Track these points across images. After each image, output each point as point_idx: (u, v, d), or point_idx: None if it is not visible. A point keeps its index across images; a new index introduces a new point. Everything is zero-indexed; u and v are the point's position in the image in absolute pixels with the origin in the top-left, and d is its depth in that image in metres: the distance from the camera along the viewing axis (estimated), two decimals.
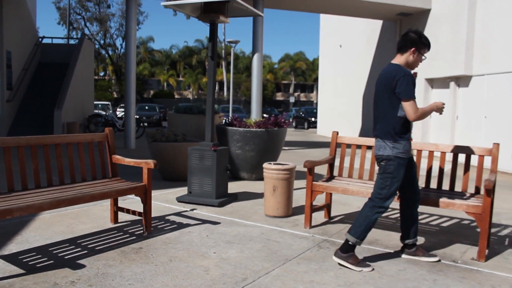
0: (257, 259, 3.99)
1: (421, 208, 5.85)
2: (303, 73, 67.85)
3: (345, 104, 19.38)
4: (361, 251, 4.26)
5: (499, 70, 10.96)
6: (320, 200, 5.77)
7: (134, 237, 4.49)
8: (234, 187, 7.24)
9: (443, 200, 4.25)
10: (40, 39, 17.67)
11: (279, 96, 69.87)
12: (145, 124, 24.88)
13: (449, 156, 8.09)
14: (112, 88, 52.23)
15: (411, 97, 3.80)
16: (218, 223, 5.14)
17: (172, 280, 3.46)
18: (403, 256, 4.16)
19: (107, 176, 4.95)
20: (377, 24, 16.65)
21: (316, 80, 22.21)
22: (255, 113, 12.58)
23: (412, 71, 4.25)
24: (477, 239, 4.43)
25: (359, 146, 5.25)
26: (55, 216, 5.20)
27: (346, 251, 3.84)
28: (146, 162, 4.57)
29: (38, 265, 3.69)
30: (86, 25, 46.13)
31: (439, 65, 12.94)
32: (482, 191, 4.25)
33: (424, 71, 13.71)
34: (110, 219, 4.99)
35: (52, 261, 3.79)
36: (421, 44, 3.93)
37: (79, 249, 4.12)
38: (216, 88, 63.34)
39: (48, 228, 4.75)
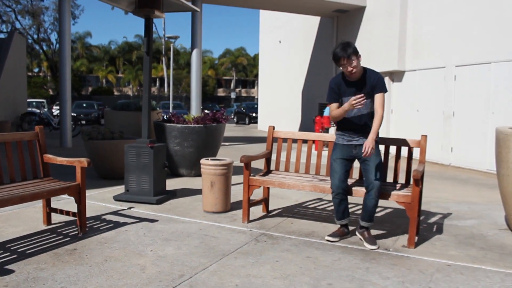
0: (195, 255, 3.98)
1: (356, 200, 6.03)
2: (244, 69, 68.09)
3: (285, 99, 19.62)
4: (297, 243, 4.35)
5: (429, 66, 11.45)
6: (259, 194, 5.82)
7: (68, 238, 4.36)
8: (173, 184, 7.17)
9: (357, 189, 4.40)
10: None
11: (221, 92, 69.77)
12: (83, 122, 24.17)
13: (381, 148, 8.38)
14: (47, 85, 50.28)
15: (327, 101, 4.40)
16: (156, 220, 5.07)
17: (107, 281, 3.39)
18: (357, 234, 4.42)
19: (38, 176, 4.77)
20: (315, 20, 16.94)
21: (257, 75, 22.35)
22: (195, 109, 12.51)
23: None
24: (408, 227, 4.61)
25: (295, 140, 5.34)
26: None
27: None
28: (79, 161, 4.43)
29: None
30: (17, 18, 44.06)
31: (374, 61, 13.33)
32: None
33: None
34: (43, 221, 4.81)
35: None
36: (334, 61, 4.23)
37: (8, 253, 3.94)
38: (157, 84, 62.57)
39: None
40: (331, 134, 5.37)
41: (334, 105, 4.32)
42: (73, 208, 5.11)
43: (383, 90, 4.27)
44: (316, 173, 5.19)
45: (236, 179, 7.00)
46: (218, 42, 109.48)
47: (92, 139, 7.42)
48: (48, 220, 4.79)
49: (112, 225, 4.85)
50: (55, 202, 5.56)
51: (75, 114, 15.75)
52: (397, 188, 4.56)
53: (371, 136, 4.14)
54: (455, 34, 10.65)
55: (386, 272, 3.69)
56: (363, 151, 4.10)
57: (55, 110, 22.58)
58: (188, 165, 7.76)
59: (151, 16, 5.92)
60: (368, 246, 4.26)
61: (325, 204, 6.04)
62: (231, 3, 15.00)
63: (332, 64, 15.63)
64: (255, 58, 61.51)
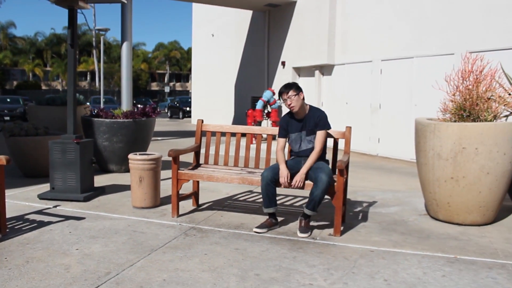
0: (122, 252, 3.92)
1: (286, 191, 6.16)
2: (178, 63, 67.23)
3: (218, 93, 19.60)
4: (226, 236, 4.38)
5: (357, 60, 11.82)
6: (189, 188, 5.80)
7: None
8: (102, 180, 6.99)
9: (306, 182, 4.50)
10: None
11: (154, 86, 68.59)
12: (7, 118, 22.99)
13: None
14: None
15: (278, 136, 4.83)
16: (83, 218, 4.94)
17: (28, 283, 3.26)
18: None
19: None
20: (247, 14, 17.00)
21: (191, 69, 22.13)
22: (126, 104, 12.25)
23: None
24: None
25: (224, 134, 5.36)
26: None
27: None
28: None
29: None
30: None
31: (305, 55, 13.60)
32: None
33: (292, 60, 14.33)
34: None
35: None
36: (279, 97, 4.74)
37: None
38: (88, 78, 60.55)
39: None
40: (260, 127, 5.43)
41: (282, 140, 4.75)
42: None
43: (325, 127, 4.65)
44: (245, 166, 5.24)
45: (166, 173, 6.93)
46: (152, 35, 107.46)
47: (14, 136, 7.09)
48: None
49: (35, 224, 4.67)
50: None
51: None
52: None
53: (303, 170, 4.48)
54: (381, 30, 11.06)
55: (312, 260, 3.80)
56: (293, 183, 4.43)
57: None
58: (118, 161, 7.59)
59: (75, 7, 5.72)
60: (299, 234, 4.39)
61: (255, 196, 6.12)
62: None
63: (265, 58, 15.80)
64: (189, 51, 60.88)
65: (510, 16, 8.19)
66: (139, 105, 9.31)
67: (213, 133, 5.38)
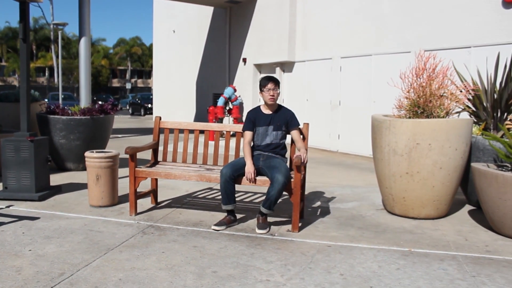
0: (77, 252, 3.84)
1: (244, 187, 6.17)
2: (139, 59, 66.21)
3: (180, 89, 19.43)
4: (184, 233, 4.36)
5: (317, 57, 11.94)
6: (148, 186, 5.73)
7: None
8: (58, 178, 6.83)
9: (259, 178, 4.52)
10: None
11: (116, 83, 67.41)
12: None
13: None
14: None
15: (243, 130, 4.81)
16: (38, 218, 4.81)
17: None
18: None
19: None
20: (209, 10, 16.91)
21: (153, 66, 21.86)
22: (84, 100, 11.98)
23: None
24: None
25: (182, 131, 5.32)
26: None
27: None
28: None
29: None
30: None
31: (266, 52, 13.63)
32: None
33: (253, 57, 14.35)
34: None
35: None
36: (260, 86, 4.73)
37: None
38: (46, 74, 58.95)
39: None
40: (218, 124, 5.42)
41: (248, 132, 4.75)
42: None
43: (298, 125, 4.80)
44: (203, 163, 5.22)
45: (124, 171, 6.83)
46: (113, 32, 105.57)
47: None
48: None
49: None
50: None
51: None
52: None
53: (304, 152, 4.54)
54: (340, 27, 11.20)
55: (270, 256, 3.82)
56: (302, 159, 4.40)
57: None
58: (75, 159, 7.43)
59: (27, 0, 5.56)
60: (257, 231, 4.41)
61: (214, 193, 6.10)
62: None
63: (226, 55, 15.76)
64: (151, 48, 60.05)
65: (461, 16, 8.44)
66: (99, 102, 9.12)
67: (172, 130, 5.33)
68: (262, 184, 4.51)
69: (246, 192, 6.13)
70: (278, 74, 13.32)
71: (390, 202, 5.14)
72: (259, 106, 4.86)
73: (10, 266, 3.52)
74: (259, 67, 14.39)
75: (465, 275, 3.49)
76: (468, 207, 5.58)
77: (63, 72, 31.40)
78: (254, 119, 4.77)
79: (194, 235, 4.33)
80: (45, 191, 5.70)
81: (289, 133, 4.81)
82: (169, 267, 3.54)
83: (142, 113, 30.09)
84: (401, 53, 9.54)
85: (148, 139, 13.02)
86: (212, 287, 3.20)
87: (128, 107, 34.22)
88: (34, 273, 3.39)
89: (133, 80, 66.72)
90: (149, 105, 28.96)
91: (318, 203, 5.73)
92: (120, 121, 22.36)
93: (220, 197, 5.78)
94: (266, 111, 4.78)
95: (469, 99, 5.64)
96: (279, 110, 4.80)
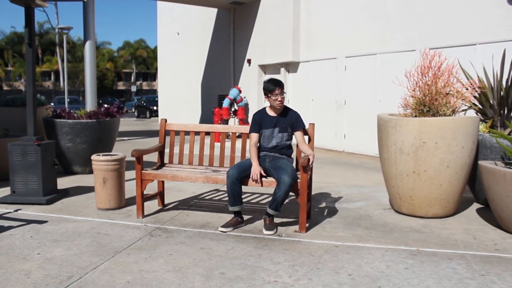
0: (85, 255, 3.85)
1: (251, 189, 6.17)
2: (144, 61, 66.35)
3: (185, 91, 19.46)
4: (192, 235, 4.36)
5: (321, 57, 11.92)
6: (155, 188, 5.74)
7: None
8: (66, 182, 6.86)
9: (266, 179, 4.52)
10: None
11: (121, 86, 67.60)
12: None
13: None
14: None
15: (249, 132, 4.80)
16: (45, 221, 4.83)
17: None
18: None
19: None
20: (212, 12, 16.93)
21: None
22: (90, 104, 12.05)
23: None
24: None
25: (188, 133, 5.33)
26: None
27: None
28: None
29: None
30: None
31: (270, 52, 13.63)
32: None
33: (257, 58, 14.35)
34: None
35: None
36: (266, 91, 4.70)
37: None
38: (52, 78, 59.17)
39: None
40: (224, 125, 5.42)
41: (255, 135, 4.75)
42: None
43: (303, 126, 4.81)
44: (209, 165, 5.22)
45: (130, 174, 6.85)
46: (118, 35, 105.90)
47: None
48: None
49: None
50: None
51: None
52: None
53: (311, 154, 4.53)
54: (345, 27, 11.18)
55: (277, 257, 3.82)
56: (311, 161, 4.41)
57: None
58: (82, 162, 7.46)
59: (32, 5, 5.59)
60: (264, 232, 4.40)
61: (221, 195, 6.10)
62: None
63: (230, 56, 15.76)
64: (155, 50, 60.18)
65: (466, 13, 8.41)
66: (105, 105, 9.16)
67: (178, 132, 5.34)
68: (269, 185, 4.51)
69: (253, 193, 6.12)
70: (283, 74, 13.31)
71: (397, 201, 5.12)
72: (264, 108, 4.87)
73: (19, 270, 3.53)
74: (264, 67, 14.39)
75: (474, 274, 3.47)
76: (476, 206, 5.55)
77: (68, 76, 31.56)
78: (260, 121, 4.77)
79: (201, 236, 4.34)
80: (53, 195, 5.73)
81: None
82: (176, 269, 3.55)
83: (148, 115, 30.17)
84: (406, 51, 9.51)
85: (154, 142, 13.05)
86: None
87: (133, 110, 34.33)
88: (43, 277, 3.40)
89: (138, 82, 66.89)
90: (155, 108, 29.06)
91: (325, 203, 5.72)
92: (126, 124, 22.42)
93: (226, 198, 5.78)
94: (272, 113, 4.78)
95: (475, 97, 5.62)
96: (285, 112, 4.81)
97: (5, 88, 56.11)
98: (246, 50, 14.90)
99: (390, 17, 9.95)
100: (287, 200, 5.54)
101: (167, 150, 5.51)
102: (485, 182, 4.55)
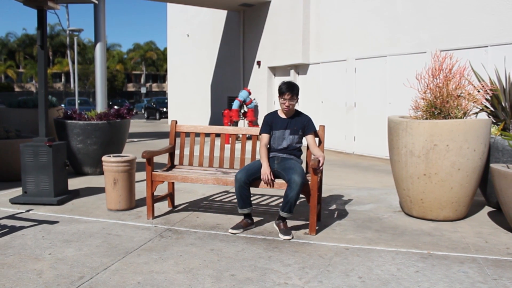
0: (96, 255, 3.87)
1: (261, 190, 6.18)
2: (154, 63, 66.64)
3: (194, 93, 19.52)
4: (202, 237, 4.37)
5: (331, 59, 11.91)
6: (165, 190, 5.76)
7: None
8: (76, 183, 6.90)
9: (276, 181, 4.52)
10: None
11: (131, 87, 67.92)
12: None
13: None
14: None
15: (260, 133, 4.82)
16: (57, 222, 4.87)
17: None
18: (274, 225, 4.57)
19: None
20: (222, 14, 16.97)
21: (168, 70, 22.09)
22: (100, 105, 12.13)
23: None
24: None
25: (198, 134, 5.34)
26: None
27: None
28: None
29: None
30: None
31: (280, 54, 13.64)
32: None
33: (267, 60, 14.36)
34: None
35: None
36: (278, 92, 4.72)
37: None
38: (62, 80, 59.62)
39: None
40: (234, 127, 5.43)
41: (265, 135, 4.75)
42: None
43: (314, 130, 4.82)
44: (219, 166, 5.23)
45: (141, 175, 6.88)
46: (128, 36, 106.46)
47: None
48: None
49: (7, 230, 4.58)
50: None
51: None
52: None
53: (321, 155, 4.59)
54: (354, 29, 11.16)
55: (287, 259, 3.81)
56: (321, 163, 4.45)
57: None
58: (93, 163, 7.50)
59: (44, 7, 5.64)
60: (282, 237, 4.35)
61: (231, 196, 6.11)
62: None
63: (240, 58, 15.79)
64: (165, 52, 60.34)
65: (477, 15, 8.36)
66: (115, 106, 9.23)
67: (188, 134, 5.36)
68: (279, 187, 4.50)
69: (262, 195, 6.13)
70: (292, 76, 13.31)
71: (408, 204, 5.10)
72: (276, 110, 4.87)
73: (31, 270, 3.56)
74: (274, 69, 14.39)
75: (486, 278, 3.44)
76: (487, 209, 5.51)
77: (79, 78, 31.77)
78: (271, 123, 4.78)
79: (211, 238, 4.34)
80: (64, 195, 5.76)
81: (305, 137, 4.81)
82: (187, 271, 3.55)
83: (157, 117, 30.27)
84: (417, 53, 9.48)
85: (164, 143, 13.09)
86: None
87: (143, 111, 34.46)
88: (55, 277, 3.43)
89: (148, 84, 67.22)
90: (164, 109, 29.15)
91: (335, 206, 5.70)
92: (136, 125, 22.53)
93: (236, 200, 5.80)
94: (283, 115, 4.79)
95: (487, 99, 5.58)
96: (296, 115, 4.81)
97: (16, 89, 56.58)
98: (256, 52, 14.92)
99: (400, 19, 9.92)
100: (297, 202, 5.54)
101: (177, 152, 5.53)
102: (497, 185, 4.51)
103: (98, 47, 12.57)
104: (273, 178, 4.52)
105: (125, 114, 7.76)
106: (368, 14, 10.77)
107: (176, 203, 5.63)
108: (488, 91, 5.40)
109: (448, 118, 4.88)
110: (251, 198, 4.64)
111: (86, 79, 52.71)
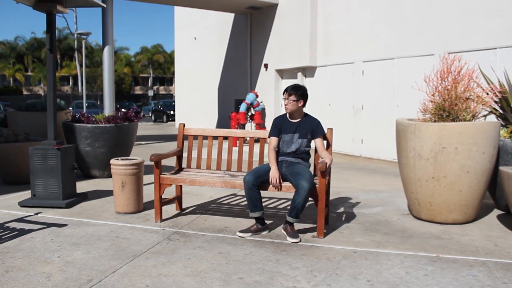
0: (105, 258, 3.88)
1: (269, 193, 6.17)
2: (161, 66, 66.82)
3: (202, 96, 19.56)
4: (209, 240, 4.37)
5: (339, 62, 11.89)
6: (173, 193, 5.77)
7: None
8: (85, 186, 6.93)
9: (284, 184, 4.51)
10: None
11: (138, 90, 68.15)
12: None
13: None
14: None
15: (269, 136, 4.83)
16: (65, 225, 4.89)
17: None
18: (282, 230, 4.56)
19: None
20: (230, 17, 17.01)
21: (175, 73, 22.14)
22: (108, 108, 12.18)
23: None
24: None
25: (206, 137, 5.35)
26: None
27: None
28: None
29: None
30: None
31: (287, 57, 13.64)
32: None
33: (274, 62, 14.36)
34: None
35: None
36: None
37: None
38: (70, 83, 59.92)
39: None
40: (242, 130, 5.44)
41: (274, 138, 4.76)
42: None
43: (322, 133, 4.79)
44: (227, 169, 5.23)
45: (149, 178, 6.89)
46: (135, 39, 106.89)
47: None
48: None
49: (16, 233, 4.61)
50: None
51: None
52: None
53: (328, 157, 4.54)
54: (362, 31, 11.14)
55: (295, 262, 3.81)
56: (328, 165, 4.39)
57: None
58: (101, 166, 7.53)
59: (53, 11, 5.67)
60: (290, 240, 4.34)
61: (239, 199, 6.11)
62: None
63: (247, 61, 15.81)
64: (172, 55, 60.50)
65: (486, 17, 8.32)
66: (122, 109, 9.25)
67: (196, 137, 5.36)
68: (287, 190, 4.50)
69: (270, 198, 6.12)
70: (300, 79, 13.30)
71: (416, 207, 5.08)
72: (285, 114, 4.88)
73: (40, 272, 3.57)
74: (281, 72, 14.39)
75: (496, 281, 3.42)
76: (496, 212, 5.47)
77: (86, 81, 31.95)
78: (280, 126, 4.78)
79: (219, 241, 4.34)
80: (72, 198, 5.79)
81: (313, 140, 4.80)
82: (195, 274, 3.55)
83: (165, 120, 30.35)
84: (424, 56, 9.45)
85: (171, 146, 13.12)
86: None
87: (150, 114, 34.58)
88: (63, 279, 3.44)
89: (155, 87, 67.40)
90: (171, 112, 29.22)
91: (343, 209, 5.69)
92: (143, 128, 22.59)
93: (244, 202, 5.81)
94: (292, 119, 4.79)
95: (496, 102, 5.55)
96: (305, 118, 4.81)
97: (25, 93, 56.90)
98: (263, 54, 14.93)
99: (408, 21, 9.89)
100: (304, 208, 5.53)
101: (185, 155, 5.54)
102: (506, 188, 4.48)
103: (106, 50, 12.62)
104: (281, 182, 4.51)
105: (133, 117, 7.78)
106: (375, 17, 10.75)
107: (184, 206, 5.64)
108: (497, 94, 5.37)
109: (456, 121, 4.85)
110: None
111: (93, 82, 52.94)
